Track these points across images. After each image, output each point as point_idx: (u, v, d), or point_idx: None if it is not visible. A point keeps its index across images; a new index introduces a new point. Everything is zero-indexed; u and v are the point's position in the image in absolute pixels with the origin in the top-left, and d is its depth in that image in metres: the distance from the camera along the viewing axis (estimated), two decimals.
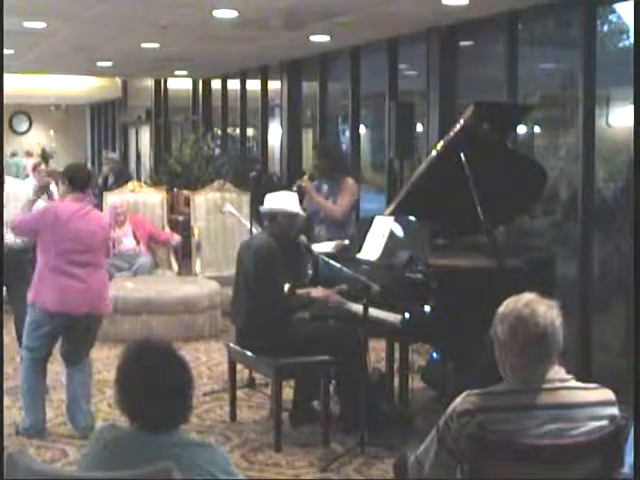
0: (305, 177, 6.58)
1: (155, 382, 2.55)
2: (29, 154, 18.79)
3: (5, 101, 8.08)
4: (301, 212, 5.36)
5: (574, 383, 2.78)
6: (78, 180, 5.29)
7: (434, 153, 5.32)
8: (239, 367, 5.58)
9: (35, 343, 5.23)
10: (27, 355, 5.27)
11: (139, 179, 14.59)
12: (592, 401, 2.75)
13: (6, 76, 10.46)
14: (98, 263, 5.25)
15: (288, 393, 5.43)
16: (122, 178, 11.15)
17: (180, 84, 14.59)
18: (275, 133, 11.63)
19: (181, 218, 10.98)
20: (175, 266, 8.93)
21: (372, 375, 5.46)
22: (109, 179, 11.69)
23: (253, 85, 12.04)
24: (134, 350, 2.64)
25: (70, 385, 5.30)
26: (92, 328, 5.29)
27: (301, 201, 6.40)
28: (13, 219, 5.41)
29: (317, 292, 5.29)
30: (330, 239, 6.13)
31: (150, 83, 15.31)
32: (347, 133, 9.68)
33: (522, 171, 5.31)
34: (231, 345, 5.39)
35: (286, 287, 5.24)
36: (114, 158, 12.72)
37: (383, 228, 5.34)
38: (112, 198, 9.09)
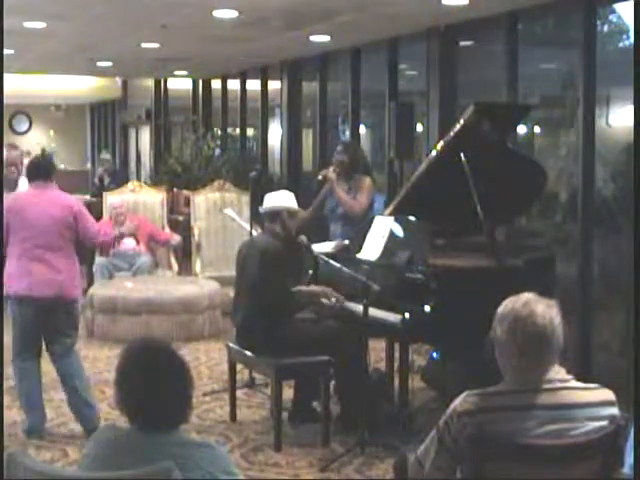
0: (331, 168, 6.62)
1: (155, 382, 2.55)
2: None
3: (5, 101, 8.06)
4: (299, 209, 5.37)
5: (574, 383, 2.78)
6: (35, 169, 5.30)
7: (434, 153, 5.32)
8: (239, 367, 5.58)
9: (17, 341, 5.22)
10: (15, 355, 5.26)
11: (139, 179, 14.59)
12: (592, 401, 2.75)
13: (6, 76, 10.45)
14: (63, 246, 5.18)
15: (288, 393, 5.44)
16: (118, 177, 11.16)
17: (180, 84, 14.59)
18: (275, 133, 11.62)
19: (181, 218, 10.99)
20: (175, 266, 8.93)
21: (372, 375, 5.46)
22: (105, 180, 11.69)
23: (253, 85, 12.03)
24: (134, 350, 2.64)
25: (63, 382, 5.29)
26: (62, 315, 5.20)
27: (317, 193, 6.50)
28: None
29: (319, 289, 5.31)
30: (344, 237, 6.16)
31: (150, 83, 15.30)
32: (347, 133, 9.68)
33: (522, 171, 5.31)
34: (231, 345, 5.39)
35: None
36: (107, 159, 12.74)
37: (383, 228, 5.34)
38: (112, 198, 9.09)
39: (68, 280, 5.19)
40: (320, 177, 6.66)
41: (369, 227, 5.49)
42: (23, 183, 6.39)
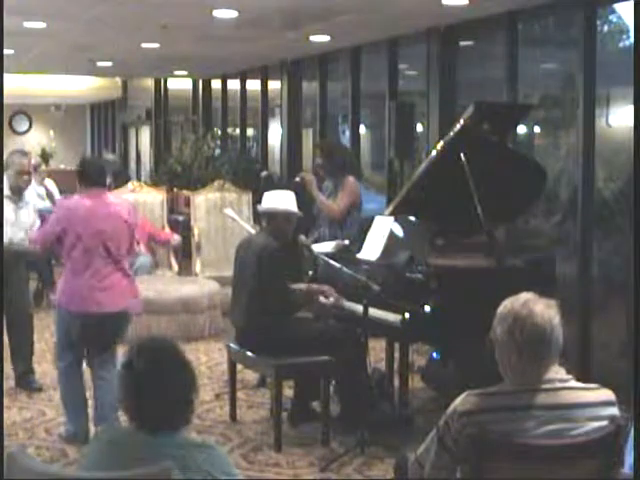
0: (308, 171, 6.56)
1: (157, 383, 2.54)
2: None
3: (5, 101, 8.06)
4: (298, 212, 5.33)
5: (574, 383, 2.78)
6: (89, 175, 5.12)
7: (434, 153, 5.32)
8: (239, 367, 5.58)
9: (60, 345, 5.17)
10: (58, 363, 5.24)
11: (139, 179, 14.59)
12: (592, 401, 2.75)
13: (6, 76, 10.45)
14: (119, 257, 5.08)
15: (289, 393, 5.44)
16: (121, 178, 11.15)
17: (180, 84, 14.59)
18: (275, 133, 11.62)
19: (181, 218, 10.99)
20: (175, 266, 8.93)
21: (372, 375, 5.46)
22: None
23: (253, 85, 12.03)
24: (139, 349, 2.62)
25: (96, 397, 5.19)
26: (110, 326, 5.10)
27: (300, 195, 6.43)
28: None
29: (316, 286, 5.31)
30: (332, 237, 6.14)
31: (150, 83, 15.30)
32: (347, 133, 9.68)
33: (522, 171, 5.32)
34: (231, 345, 5.39)
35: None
36: (111, 159, 12.72)
37: (383, 228, 5.34)
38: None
39: (122, 291, 5.10)
40: (297, 179, 6.53)
41: (369, 227, 5.49)
42: (30, 192, 6.36)
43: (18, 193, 5.96)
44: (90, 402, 5.31)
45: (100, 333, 5.09)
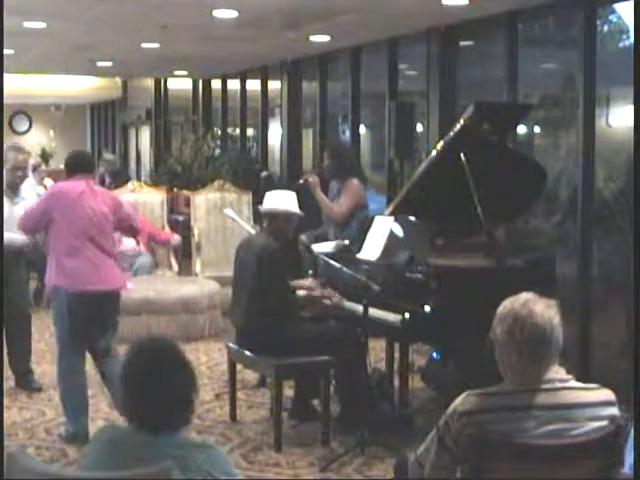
0: (313, 173, 6.58)
1: (155, 383, 2.54)
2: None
3: (5, 101, 8.06)
4: (299, 212, 5.33)
5: (574, 383, 2.78)
6: (75, 164, 5.23)
7: (434, 153, 5.32)
8: (239, 367, 5.58)
9: (66, 338, 5.13)
10: (60, 362, 5.21)
11: (139, 179, 14.58)
12: (592, 401, 2.75)
13: (6, 76, 10.46)
14: (110, 240, 5.18)
15: (289, 393, 5.44)
16: (120, 179, 11.15)
17: (180, 84, 14.58)
18: (275, 133, 11.62)
19: (181, 218, 10.99)
20: (175, 266, 8.93)
21: (372, 375, 5.46)
22: (105, 180, 11.68)
23: (253, 85, 12.04)
24: (139, 348, 2.62)
25: (107, 380, 5.20)
26: (110, 307, 5.18)
27: (303, 196, 6.45)
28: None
29: (309, 283, 5.31)
30: (336, 239, 6.15)
31: (150, 83, 15.30)
32: (347, 133, 9.68)
33: (522, 171, 5.32)
34: (231, 345, 5.39)
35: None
36: (110, 159, 12.70)
37: (383, 228, 5.34)
38: None
39: (114, 272, 5.19)
40: (301, 181, 6.59)
41: (369, 227, 5.49)
42: (26, 187, 6.36)
43: (14, 188, 5.98)
44: (91, 401, 5.32)
45: (98, 312, 5.11)
